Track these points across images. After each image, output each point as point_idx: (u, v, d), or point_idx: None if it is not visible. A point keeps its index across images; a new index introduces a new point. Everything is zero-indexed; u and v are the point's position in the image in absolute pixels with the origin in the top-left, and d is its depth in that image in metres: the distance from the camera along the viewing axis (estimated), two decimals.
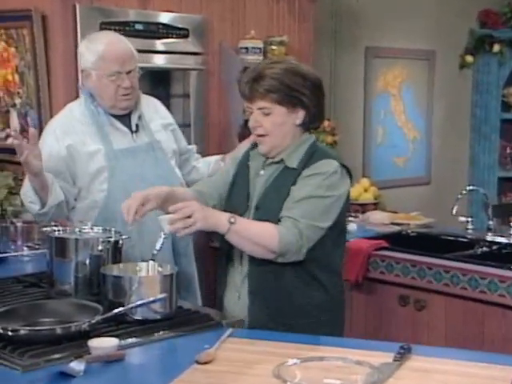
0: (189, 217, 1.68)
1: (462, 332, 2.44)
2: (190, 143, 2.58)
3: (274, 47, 3.23)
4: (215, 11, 3.12)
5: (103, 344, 1.50)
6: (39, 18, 2.73)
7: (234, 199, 1.90)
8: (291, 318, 1.80)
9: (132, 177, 2.16)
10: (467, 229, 2.98)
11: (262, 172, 1.88)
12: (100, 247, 1.85)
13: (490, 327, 2.38)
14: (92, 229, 1.95)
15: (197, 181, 2.34)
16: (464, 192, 3.01)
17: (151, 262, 1.80)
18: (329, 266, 1.84)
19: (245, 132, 2.82)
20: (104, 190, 2.17)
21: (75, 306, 1.68)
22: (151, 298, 1.66)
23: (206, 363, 1.46)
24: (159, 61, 2.97)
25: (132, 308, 1.65)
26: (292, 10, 3.37)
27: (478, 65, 4.68)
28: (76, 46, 2.58)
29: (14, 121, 2.92)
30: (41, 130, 2.47)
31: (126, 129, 2.23)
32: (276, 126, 1.81)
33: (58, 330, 1.52)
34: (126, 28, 2.77)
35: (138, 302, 1.65)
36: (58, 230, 1.93)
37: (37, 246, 2.41)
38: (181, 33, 2.99)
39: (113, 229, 1.94)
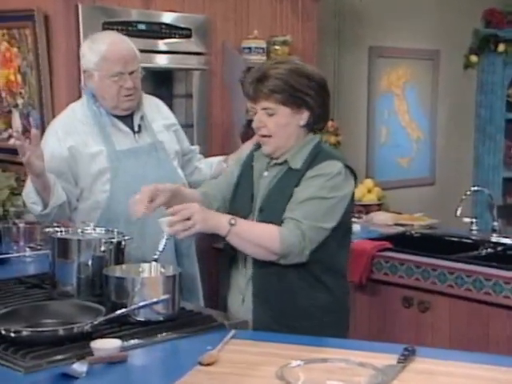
0: (188, 219, 1.68)
1: (467, 334, 2.43)
2: (192, 144, 2.57)
3: (277, 47, 3.22)
4: (218, 11, 3.11)
5: (106, 345, 1.50)
6: (41, 17, 2.73)
7: (238, 201, 1.90)
8: (295, 320, 1.79)
9: (134, 178, 2.16)
10: (472, 230, 2.97)
11: (265, 173, 1.87)
12: (102, 248, 1.84)
13: (494, 329, 2.37)
14: (94, 230, 1.95)
15: (199, 182, 2.33)
16: (468, 193, 3.01)
17: (154, 263, 1.79)
18: (333, 267, 1.83)
19: (248, 132, 2.82)
20: (106, 191, 2.16)
21: (78, 307, 1.68)
22: (154, 299, 1.65)
23: (208, 365, 1.46)
24: (162, 61, 2.97)
25: (135, 309, 1.65)
26: (295, 10, 3.36)
27: (482, 65, 4.67)
28: (78, 46, 2.57)
29: (16, 121, 2.92)
30: (43, 130, 2.47)
31: (128, 129, 2.23)
32: (280, 126, 1.80)
33: (61, 332, 1.52)
34: (128, 28, 2.77)
35: (141, 303, 1.65)
36: (61, 231, 1.93)
37: (39, 247, 2.41)
38: (183, 33, 2.99)
39: (115, 230, 1.94)
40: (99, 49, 2.14)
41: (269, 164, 1.87)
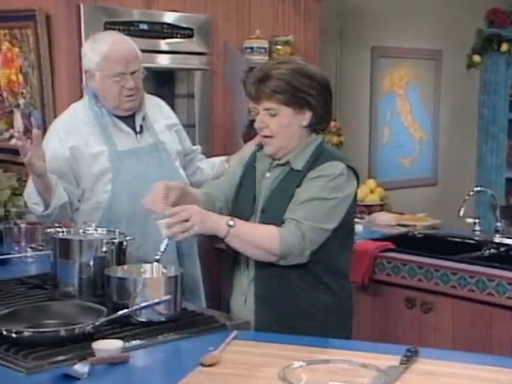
0: (186, 220, 1.67)
1: (470, 335, 2.43)
2: (194, 144, 2.57)
3: (279, 47, 3.22)
4: (220, 11, 3.11)
5: (107, 346, 1.49)
6: (43, 17, 2.72)
7: (241, 202, 1.89)
8: (296, 321, 1.79)
9: (136, 178, 2.15)
10: (474, 230, 2.96)
11: (267, 174, 1.87)
12: (104, 248, 1.84)
13: (497, 330, 2.36)
14: (96, 230, 1.95)
15: (201, 182, 2.33)
16: (471, 193, 3.00)
17: (155, 264, 1.79)
18: (335, 268, 1.83)
19: (250, 132, 2.81)
20: (108, 192, 2.16)
21: (79, 307, 1.68)
22: (156, 300, 1.65)
23: (210, 366, 1.45)
24: (163, 61, 2.97)
25: (136, 310, 1.64)
26: (297, 10, 3.36)
27: (485, 64, 4.66)
28: (80, 46, 2.57)
29: (18, 121, 2.92)
30: (44, 130, 2.46)
31: (129, 130, 2.23)
32: (282, 127, 1.79)
33: (62, 332, 1.52)
34: (130, 28, 2.77)
35: (143, 304, 1.64)
36: (62, 232, 1.93)
37: (40, 248, 2.41)
38: (185, 33, 2.98)
39: (117, 230, 1.94)
40: (101, 49, 2.14)
41: (271, 165, 1.87)
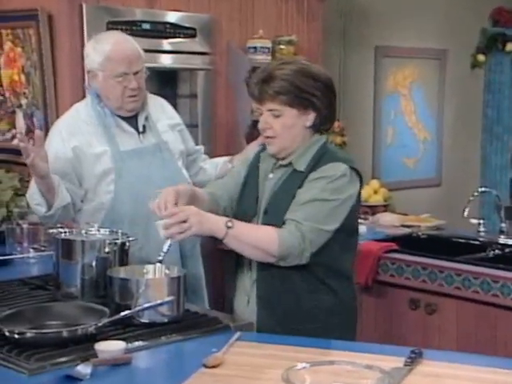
0: (184, 221, 1.67)
1: (474, 336, 2.42)
2: (197, 144, 2.56)
3: (282, 47, 3.21)
4: (223, 10, 3.10)
5: (110, 347, 1.49)
6: (45, 17, 2.72)
7: (244, 202, 1.89)
8: (299, 323, 1.78)
9: (139, 178, 2.15)
10: (479, 231, 2.96)
11: (271, 175, 1.86)
12: (107, 249, 1.84)
13: (502, 331, 2.36)
14: (98, 231, 1.94)
15: (204, 182, 2.32)
16: (476, 193, 2.99)
17: (158, 265, 1.78)
18: (337, 269, 1.82)
19: (253, 133, 2.81)
20: (111, 192, 2.15)
21: (82, 308, 1.67)
22: (158, 301, 1.65)
23: (213, 367, 1.45)
24: (166, 61, 2.96)
25: (139, 311, 1.64)
26: (301, 9, 3.35)
27: (490, 64, 4.65)
28: (82, 46, 2.56)
29: (20, 121, 2.91)
30: (47, 130, 2.46)
31: (132, 130, 2.22)
32: (286, 128, 1.79)
33: (65, 333, 1.52)
34: (132, 27, 2.76)
35: (145, 305, 1.64)
36: (65, 232, 1.93)
37: (43, 248, 2.40)
38: (188, 32, 2.98)
39: (119, 231, 1.93)
40: (103, 49, 2.13)
41: (274, 165, 1.86)
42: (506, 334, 2.34)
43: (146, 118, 2.25)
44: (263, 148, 1.91)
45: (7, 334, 1.51)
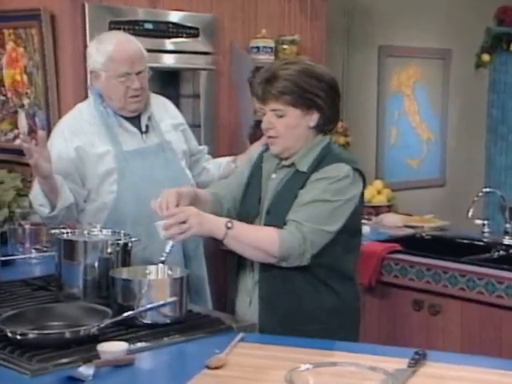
0: (184, 222, 1.67)
1: (479, 337, 2.41)
2: (200, 144, 2.56)
3: (285, 46, 3.20)
4: (226, 10, 3.09)
5: (112, 348, 1.49)
6: (48, 17, 2.72)
7: (247, 202, 1.89)
8: (301, 324, 1.78)
9: (142, 178, 2.14)
10: (483, 232, 2.96)
11: (273, 175, 1.86)
12: (109, 250, 1.83)
13: (507, 333, 2.35)
14: (101, 231, 1.94)
15: (207, 182, 2.32)
16: (480, 194, 2.99)
17: (161, 265, 1.78)
18: (339, 270, 1.81)
19: (256, 133, 2.80)
20: (113, 192, 2.15)
21: (84, 309, 1.67)
22: (161, 302, 1.64)
23: (216, 368, 1.44)
24: (169, 60, 2.95)
25: (141, 312, 1.64)
26: (304, 9, 3.34)
27: (494, 64, 4.63)
28: (85, 46, 2.56)
29: (22, 121, 2.91)
30: (49, 130, 2.46)
31: (135, 130, 2.22)
32: (289, 128, 1.78)
33: (67, 334, 1.51)
34: (135, 27, 2.76)
35: (148, 306, 1.63)
36: (67, 233, 1.92)
37: (45, 249, 2.40)
38: (191, 32, 2.97)
39: (122, 231, 1.93)
40: (106, 49, 2.13)
41: (277, 166, 1.86)
42: (511, 336, 2.33)
43: (149, 118, 2.24)
44: (266, 148, 1.90)
45: (9, 334, 1.51)
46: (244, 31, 3.14)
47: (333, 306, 1.79)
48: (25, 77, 2.88)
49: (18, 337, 1.50)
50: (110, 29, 2.66)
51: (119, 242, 1.86)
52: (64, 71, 2.75)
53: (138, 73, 2.15)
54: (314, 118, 1.79)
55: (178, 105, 2.56)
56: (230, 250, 1.87)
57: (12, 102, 2.97)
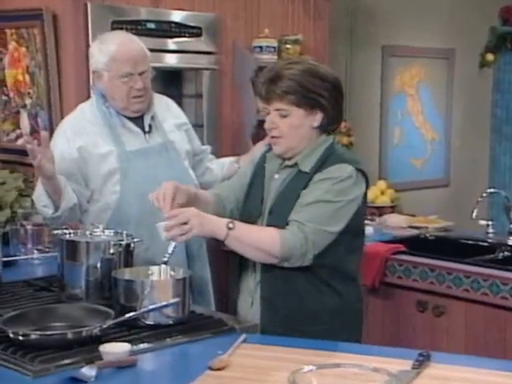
0: (185, 223, 1.67)
1: (483, 339, 2.40)
2: (202, 144, 2.55)
3: (288, 46, 3.19)
4: (229, 9, 3.08)
5: (115, 349, 1.48)
6: (50, 17, 2.71)
7: (250, 202, 1.88)
8: (302, 325, 1.77)
9: (145, 178, 2.14)
10: (488, 232, 2.94)
11: (276, 176, 1.85)
12: (111, 250, 1.83)
13: (511, 334, 2.32)
14: (103, 232, 1.94)
15: (210, 182, 2.31)
16: (484, 194, 2.97)
17: (163, 266, 1.78)
18: (342, 271, 1.81)
19: (259, 133, 2.79)
20: (116, 192, 2.15)
21: (86, 310, 1.67)
22: (163, 303, 1.64)
23: (219, 369, 1.44)
24: (171, 60, 2.95)
25: (144, 313, 1.63)
26: (307, 8, 3.33)
27: (499, 63, 4.62)
28: (87, 46, 2.56)
29: (25, 122, 2.90)
30: (51, 130, 2.45)
31: (138, 130, 2.21)
32: (293, 128, 1.78)
33: (69, 335, 1.51)
34: (137, 27, 2.75)
35: (150, 307, 1.63)
36: (69, 233, 1.92)
37: (47, 249, 2.40)
38: (193, 31, 2.96)
39: (124, 232, 1.92)
40: (108, 49, 2.12)
41: (280, 166, 1.85)
42: None
43: (152, 118, 2.24)
44: (269, 148, 1.90)
45: (11, 335, 1.50)
46: (247, 31, 3.14)
47: (335, 306, 1.79)
48: (27, 77, 2.88)
49: (20, 337, 1.49)
50: (113, 28, 2.66)
51: (121, 242, 1.85)
52: (66, 71, 2.74)
53: (141, 73, 2.14)
54: (317, 118, 1.79)
55: (180, 104, 2.55)
56: (231, 251, 1.87)
57: (14, 102, 2.97)
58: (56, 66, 2.74)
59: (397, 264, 2.64)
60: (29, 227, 2.42)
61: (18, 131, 2.95)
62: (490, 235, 2.92)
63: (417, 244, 2.86)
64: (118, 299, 1.68)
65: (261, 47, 3.12)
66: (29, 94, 2.89)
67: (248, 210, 1.86)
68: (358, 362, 1.46)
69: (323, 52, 3.38)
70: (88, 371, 1.39)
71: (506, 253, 2.77)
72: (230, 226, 1.70)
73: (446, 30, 4.38)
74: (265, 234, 1.73)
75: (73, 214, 2.11)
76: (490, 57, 4.57)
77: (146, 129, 2.22)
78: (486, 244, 2.87)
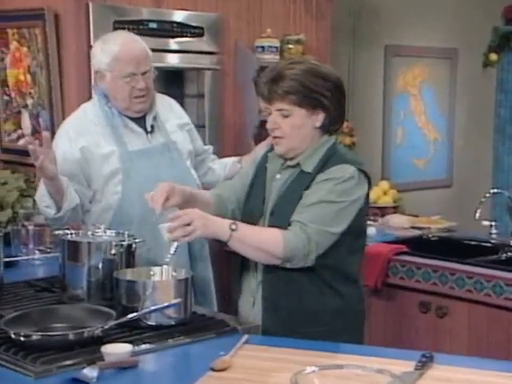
0: (188, 224, 1.66)
1: (486, 340, 2.39)
2: (204, 144, 2.54)
3: (290, 46, 3.19)
4: (231, 9, 3.08)
5: (116, 350, 1.48)
6: (52, 17, 2.71)
7: (251, 203, 1.88)
8: (304, 326, 1.77)
9: (147, 179, 2.13)
10: (491, 233, 2.94)
11: (278, 176, 1.85)
12: (113, 251, 1.83)
13: None
14: (105, 232, 1.93)
15: (213, 182, 2.31)
16: (487, 195, 2.97)
17: (165, 267, 1.78)
18: (344, 272, 1.80)
19: (261, 133, 2.79)
20: (118, 193, 2.14)
21: (88, 311, 1.66)
22: (165, 304, 1.63)
23: (221, 370, 1.44)
24: (173, 60, 2.94)
25: (146, 313, 1.63)
26: (309, 8, 3.33)
27: (502, 63, 4.61)
28: (89, 46, 2.56)
29: (26, 122, 2.90)
30: (53, 131, 2.45)
31: (140, 130, 2.21)
32: (295, 128, 1.78)
33: (71, 336, 1.51)
34: (139, 27, 2.75)
35: (152, 308, 1.63)
36: (71, 234, 1.92)
37: (49, 250, 2.39)
38: (195, 31, 2.96)
39: (126, 232, 1.92)
40: (111, 49, 2.12)
41: (282, 166, 1.85)
42: None
43: (155, 118, 2.24)
44: (271, 148, 1.89)
45: (13, 336, 1.50)
46: (249, 31, 3.13)
47: (336, 307, 1.79)
48: (28, 77, 2.88)
49: (22, 338, 1.49)
50: (115, 28, 2.65)
51: (123, 243, 1.85)
52: (68, 71, 2.74)
53: (144, 73, 2.14)
54: (319, 118, 1.78)
55: (182, 105, 2.55)
56: (234, 251, 1.86)
57: (15, 102, 2.97)
58: (57, 65, 2.74)
59: (399, 265, 2.63)
60: (30, 228, 2.42)
61: (20, 131, 2.94)
62: (493, 236, 2.91)
63: (419, 245, 2.86)
64: (120, 300, 1.68)
65: (263, 47, 3.11)
66: (30, 94, 2.89)
67: (249, 210, 1.86)
68: (360, 364, 1.45)
69: (325, 52, 3.37)
70: (90, 372, 1.39)
71: (509, 253, 2.76)
72: (233, 227, 1.70)
73: (449, 30, 4.37)
74: (267, 235, 1.73)
75: (75, 214, 2.11)
76: (493, 56, 4.55)
77: (149, 129, 2.22)
78: (489, 245, 2.86)
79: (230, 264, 2.09)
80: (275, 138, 1.81)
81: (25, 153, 1.98)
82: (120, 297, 1.68)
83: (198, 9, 2.99)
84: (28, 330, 1.53)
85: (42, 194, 2.07)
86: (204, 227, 1.68)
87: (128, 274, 1.76)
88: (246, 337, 1.60)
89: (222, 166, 2.47)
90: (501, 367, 1.49)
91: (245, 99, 3.08)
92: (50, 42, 2.71)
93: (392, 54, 4.14)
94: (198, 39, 2.97)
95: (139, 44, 2.17)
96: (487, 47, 4.56)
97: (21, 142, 2.89)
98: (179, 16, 2.93)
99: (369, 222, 2.87)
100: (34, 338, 1.49)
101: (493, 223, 2.94)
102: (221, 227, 1.71)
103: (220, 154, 2.67)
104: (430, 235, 3.04)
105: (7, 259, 2.20)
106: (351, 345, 1.67)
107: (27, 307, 1.76)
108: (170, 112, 2.31)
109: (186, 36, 2.94)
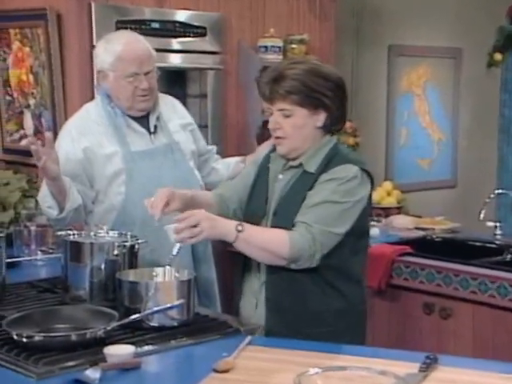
0: (195, 226, 1.66)
1: (491, 342, 2.38)
2: (208, 144, 2.54)
3: (294, 46, 3.18)
4: (234, 9, 3.08)
5: (119, 351, 1.48)
6: (54, 17, 2.71)
7: (254, 203, 1.88)
8: (307, 327, 1.76)
9: (150, 179, 2.13)
10: (495, 234, 2.92)
11: (280, 176, 1.85)
12: (116, 252, 1.82)
13: None
14: (107, 233, 1.93)
15: (216, 182, 2.31)
16: (492, 195, 2.96)
17: (168, 268, 1.77)
18: (347, 273, 1.80)
19: (264, 133, 2.78)
20: (122, 193, 2.14)
21: (90, 312, 1.66)
22: (168, 305, 1.63)
23: (224, 372, 1.44)
24: (176, 60, 2.94)
25: (148, 314, 1.63)
26: (313, 8, 3.32)
27: (506, 63, 4.59)
28: (91, 46, 2.55)
29: (28, 122, 2.90)
30: (55, 131, 2.44)
31: (143, 130, 2.21)
32: (296, 128, 1.77)
33: (73, 337, 1.51)
34: (141, 26, 2.75)
35: (155, 309, 1.63)
36: (73, 234, 1.91)
37: (51, 251, 2.39)
38: (198, 31, 2.95)
39: (129, 233, 1.92)
40: (114, 49, 2.12)
41: (284, 166, 1.85)
42: None
43: (158, 118, 2.24)
44: (273, 148, 1.89)
45: (15, 337, 1.50)
46: (252, 30, 3.13)
47: (339, 308, 1.78)
48: (31, 77, 2.88)
49: (24, 339, 1.49)
50: (117, 28, 2.65)
51: (126, 243, 1.84)
52: (70, 71, 2.74)
53: (147, 73, 2.14)
54: (321, 118, 1.78)
55: (184, 105, 2.54)
56: (237, 252, 1.86)
57: (18, 102, 2.97)
58: (60, 65, 2.74)
59: (403, 266, 2.62)
60: (32, 228, 2.41)
61: (22, 132, 2.95)
62: (498, 237, 2.90)
63: (423, 245, 2.84)
64: (123, 301, 1.67)
65: (266, 47, 3.11)
66: (32, 94, 2.89)
67: (252, 210, 1.86)
68: (364, 365, 1.45)
69: (329, 52, 3.37)
70: (92, 373, 1.38)
71: None
72: (239, 228, 1.70)
73: (453, 30, 4.36)
74: (273, 236, 1.72)
75: (78, 215, 2.10)
76: (497, 56, 4.54)
77: (152, 129, 2.22)
78: (493, 246, 2.85)
79: (233, 265, 2.08)
80: (277, 138, 1.80)
81: (27, 153, 1.98)
82: (122, 298, 1.67)
83: (200, 8, 2.98)
84: (30, 331, 1.53)
85: (44, 195, 2.07)
86: (211, 228, 1.68)
87: (131, 275, 1.76)
88: (248, 338, 1.60)
89: (226, 166, 2.46)
90: (506, 369, 1.49)
91: (248, 99, 3.07)
92: (52, 41, 2.71)
93: (396, 53, 4.13)
94: (200, 39, 2.97)
95: (142, 44, 2.16)
96: (491, 47, 4.55)
97: (23, 143, 2.89)
98: (182, 16, 2.93)
99: (372, 223, 2.87)
100: (37, 338, 1.49)
101: (497, 224, 2.92)
102: (227, 228, 1.70)
103: (223, 154, 2.67)
104: (434, 236, 3.03)
105: (9, 260, 2.19)
106: (355, 346, 1.67)
107: (29, 308, 1.76)
108: (172, 112, 2.30)
109: (189, 36, 2.94)
